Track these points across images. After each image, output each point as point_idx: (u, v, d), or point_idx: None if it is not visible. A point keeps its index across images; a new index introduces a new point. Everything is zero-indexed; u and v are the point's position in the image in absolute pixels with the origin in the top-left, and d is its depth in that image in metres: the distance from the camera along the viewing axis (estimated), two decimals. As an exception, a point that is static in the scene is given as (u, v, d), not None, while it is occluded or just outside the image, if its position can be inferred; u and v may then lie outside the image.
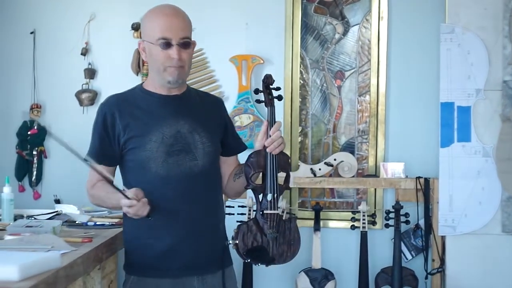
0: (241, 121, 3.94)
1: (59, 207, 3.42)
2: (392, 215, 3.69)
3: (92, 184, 2.48)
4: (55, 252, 2.15)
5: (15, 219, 3.03)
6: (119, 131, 2.42)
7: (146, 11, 2.51)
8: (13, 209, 3.09)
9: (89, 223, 3.02)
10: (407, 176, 3.79)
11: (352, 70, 3.97)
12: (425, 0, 3.85)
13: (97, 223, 3.01)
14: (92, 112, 3.95)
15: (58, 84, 4.10)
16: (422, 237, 3.76)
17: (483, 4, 3.60)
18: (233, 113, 3.93)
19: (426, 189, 3.73)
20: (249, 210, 3.69)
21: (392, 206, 3.71)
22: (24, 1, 4.11)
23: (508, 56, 3.59)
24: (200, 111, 2.53)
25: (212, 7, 3.94)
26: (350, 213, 3.81)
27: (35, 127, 4.06)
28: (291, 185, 3.59)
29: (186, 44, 2.40)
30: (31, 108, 4.06)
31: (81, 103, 4.05)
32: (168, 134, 2.41)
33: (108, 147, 2.44)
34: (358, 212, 3.74)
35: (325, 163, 3.87)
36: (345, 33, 3.97)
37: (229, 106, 3.94)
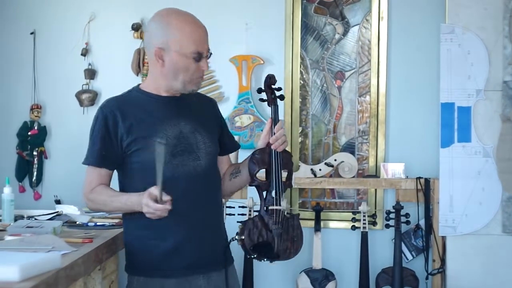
0: (241, 121, 3.94)
1: (59, 208, 3.42)
2: (392, 215, 3.69)
3: (91, 189, 2.46)
4: (56, 253, 2.15)
5: (15, 220, 3.03)
6: (122, 133, 2.41)
7: (162, 16, 2.42)
8: (14, 210, 3.09)
9: (89, 224, 3.02)
10: (407, 176, 3.79)
11: (352, 71, 3.97)
12: (425, 1, 3.85)
13: (98, 223, 3.01)
14: (92, 113, 3.94)
15: (58, 85, 4.10)
16: (423, 237, 3.76)
17: (483, 4, 3.61)
18: (234, 114, 3.93)
19: (426, 189, 3.73)
20: (249, 211, 3.69)
21: (393, 207, 3.71)
22: (24, 1, 4.11)
23: (508, 56, 3.59)
24: (199, 111, 2.55)
25: (212, 7, 3.94)
26: (351, 213, 3.81)
27: (36, 128, 4.06)
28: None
29: (210, 54, 2.44)
30: (31, 109, 4.06)
31: (81, 103, 4.05)
32: (171, 135, 2.42)
33: (110, 150, 2.43)
34: (359, 212, 3.74)
35: (325, 163, 3.87)
36: (345, 33, 3.97)
37: (229, 106, 3.95)
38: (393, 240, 3.70)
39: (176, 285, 2.42)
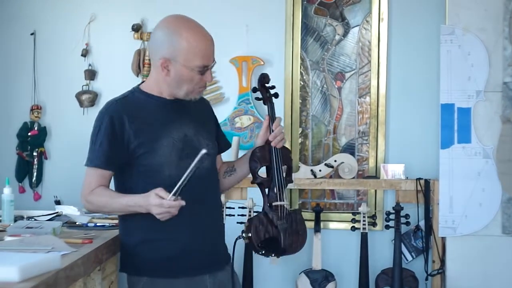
0: (241, 122, 3.94)
1: (59, 208, 3.43)
2: (392, 216, 3.69)
3: (90, 190, 2.45)
4: (56, 253, 2.15)
5: (15, 220, 3.04)
6: (129, 136, 2.41)
7: (170, 26, 2.41)
8: (13, 210, 3.09)
9: (89, 224, 3.02)
10: (407, 177, 3.79)
11: (352, 72, 3.97)
12: (425, 2, 3.85)
13: (98, 224, 3.02)
14: (92, 113, 3.97)
15: (58, 85, 4.10)
16: (423, 238, 3.76)
17: (483, 6, 3.60)
18: (234, 114, 3.93)
19: (426, 190, 3.73)
20: (249, 211, 3.69)
21: (393, 208, 3.71)
22: (24, 2, 4.11)
23: (508, 58, 3.59)
24: (199, 113, 2.58)
25: (213, 8, 3.94)
26: (351, 214, 3.81)
27: (36, 128, 4.06)
28: (291, 186, 3.62)
29: (214, 64, 2.48)
30: (31, 109, 4.06)
31: (81, 104, 4.05)
32: (177, 138, 2.44)
33: (116, 152, 2.42)
34: (359, 213, 3.74)
35: (325, 164, 3.87)
36: (345, 34, 3.97)
37: (230, 107, 3.95)
38: (393, 241, 3.70)
39: (185, 284, 2.45)
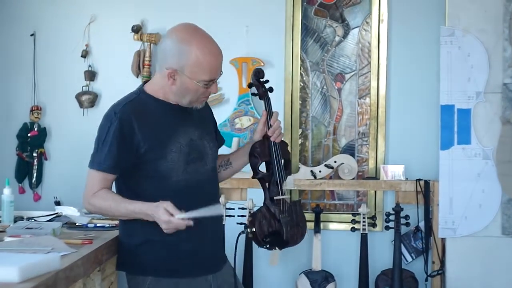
0: (241, 123, 3.94)
1: (59, 209, 3.42)
2: (392, 217, 3.69)
3: (93, 193, 2.43)
4: (55, 254, 2.15)
5: (15, 221, 3.03)
6: (138, 141, 2.38)
7: (181, 37, 2.38)
8: (13, 211, 3.09)
9: (89, 225, 3.02)
10: (407, 178, 3.79)
11: (352, 73, 3.98)
12: (425, 3, 3.85)
13: (97, 224, 3.01)
14: (92, 114, 3.99)
15: (58, 86, 4.10)
16: (422, 239, 3.76)
17: (483, 7, 3.61)
18: (234, 115, 3.93)
19: (426, 191, 3.73)
20: (249, 212, 3.69)
21: (392, 208, 3.71)
22: (24, 3, 4.12)
23: (508, 59, 3.59)
24: (201, 116, 2.59)
25: (213, 9, 3.94)
26: (350, 215, 3.81)
27: (35, 129, 4.06)
28: (291, 187, 3.64)
29: (220, 74, 2.47)
30: (31, 110, 4.06)
31: (81, 105, 4.05)
32: (184, 143, 2.44)
33: (126, 156, 2.40)
34: (358, 214, 3.75)
35: (325, 165, 3.87)
36: (345, 35, 3.98)
37: (230, 108, 3.96)
38: (393, 242, 3.70)
39: (189, 284, 2.47)
